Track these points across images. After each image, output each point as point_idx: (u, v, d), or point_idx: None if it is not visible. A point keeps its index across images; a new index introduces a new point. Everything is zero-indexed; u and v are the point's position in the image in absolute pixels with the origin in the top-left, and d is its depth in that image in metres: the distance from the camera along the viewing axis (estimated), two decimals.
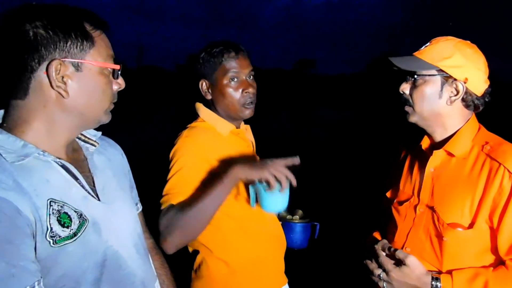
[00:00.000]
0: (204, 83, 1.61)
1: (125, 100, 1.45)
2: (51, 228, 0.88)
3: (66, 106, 0.94)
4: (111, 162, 1.16)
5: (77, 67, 0.93)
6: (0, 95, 0.95)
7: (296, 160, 1.37)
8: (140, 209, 1.29)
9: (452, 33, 1.37)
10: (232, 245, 1.56)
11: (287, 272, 1.72)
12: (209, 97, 1.62)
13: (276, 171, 1.31)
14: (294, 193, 1.39)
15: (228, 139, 1.61)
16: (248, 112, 1.62)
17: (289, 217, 1.80)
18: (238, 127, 1.67)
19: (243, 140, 1.68)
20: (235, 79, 1.57)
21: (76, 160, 1.03)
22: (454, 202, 1.28)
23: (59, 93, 0.92)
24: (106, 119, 1.03)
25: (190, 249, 1.62)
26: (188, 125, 1.62)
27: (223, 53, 1.56)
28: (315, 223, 1.79)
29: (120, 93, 1.07)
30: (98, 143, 1.13)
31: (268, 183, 1.32)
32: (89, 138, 1.11)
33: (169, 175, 1.47)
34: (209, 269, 1.56)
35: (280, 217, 1.80)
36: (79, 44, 0.92)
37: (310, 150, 9.92)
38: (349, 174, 7.26)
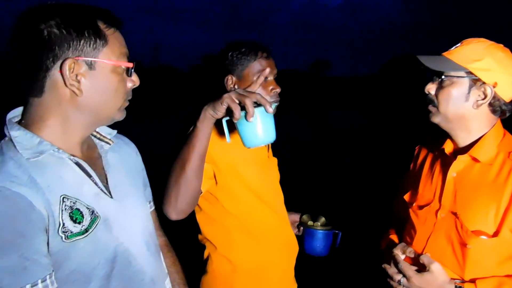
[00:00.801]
0: (230, 79, 1.62)
1: (140, 99, 1.45)
2: (63, 224, 0.90)
3: (79, 104, 0.95)
4: (125, 160, 1.17)
5: (90, 66, 0.94)
6: (19, 92, 0.96)
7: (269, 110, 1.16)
8: (153, 208, 1.30)
9: (469, 36, 1.34)
10: (235, 244, 1.57)
11: (300, 277, 1.70)
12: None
13: (238, 95, 1.14)
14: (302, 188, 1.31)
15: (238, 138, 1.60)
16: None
17: (310, 223, 1.78)
18: None
19: None
20: (266, 78, 1.60)
21: (90, 158, 1.05)
22: (478, 209, 1.24)
23: (73, 91, 0.93)
24: (119, 116, 1.04)
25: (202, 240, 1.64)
26: None
27: (257, 53, 1.59)
28: (337, 232, 1.76)
29: (136, 91, 1.07)
30: (112, 141, 1.14)
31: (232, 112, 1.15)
32: (104, 136, 1.13)
33: None
34: (213, 264, 1.60)
35: (301, 223, 1.80)
36: (92, 42, 0.93)
37: (324, 152, 9.87)
38: (366, 177, 7.20)
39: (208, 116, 1.22)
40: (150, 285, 1.09)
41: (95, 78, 0.94)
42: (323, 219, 1.78)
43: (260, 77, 1.55)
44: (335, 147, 10.69)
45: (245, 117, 1.13)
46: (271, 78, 1.62)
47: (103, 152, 1.11)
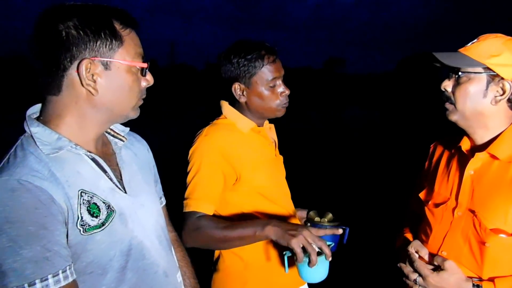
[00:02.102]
0: (238, 87, 1.61)
1: (155, 98, 1.47)
2: (82, 217, 0.93)
3: (95, 102, 0.98)
4: (137, 157, 1.21)
5: (106, 66, 0.97)
6: (37, 90, 0.99)
7: (338, 231, 1.36)
8: (164, 203, 1.33)
9: (487, 33, 1.31)
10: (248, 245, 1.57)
11: None
12: (243, 100, 1.63)
13: (306, 242, 1.25)
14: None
15: (248, 136, 1.63)
16: (283, 112, 1.67)
17: (317, 219, 1.77)
18: (260, 125, 1.70)
19: (264, 138, 1.70)
20: (274, 84, 1.60)
21: (105, 154, 1.08)
22: (497, 207, 1.22)
23: (89, 90, 0.96)
24: (134, 114, 1.07)
25: None
26: (211, 122, 1.66)
27: (262, 59, 1.57)
28: (345, 227, 1.75)
29: (150, 90, 1.10)
30: (126, 138, 1.17)
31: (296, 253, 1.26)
32: (117, 133, 1.16)
33: (189, 178, 1.54)
34: (225, 263, 1.62)
35: (309, 219, 1.79)
36: (108, 43, 0.96)
37: (339, 150, 9.83)
38: (379, 174, 7.15)
39: (269, 237, 1.34)
40: (163, 277, 1.12)
41: (111, 78, 0.97)
42: (330, 215, 1.76)
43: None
44: (349, 145, 10.63)
45: (308, 263, 1.26)
46: (279, 81, 1.61)
47: (117, 148, 1.14)
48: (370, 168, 7.75)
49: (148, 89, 1.09)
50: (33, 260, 0.83)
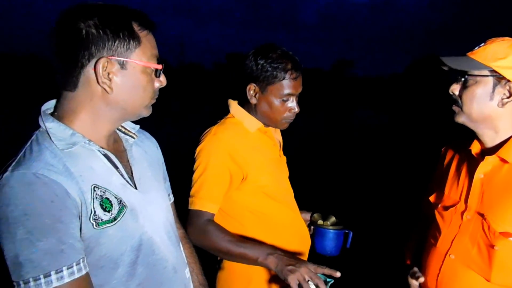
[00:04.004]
0: (253, 88, 1.61)
1: (166, 97, 1.49)
2: (95, 212, 0.95)
3: (109, 100, 1.00)
4: (147, 154, 1.22)
5: (122, 65, 0.98)
6: (54, 86, 1.01)
7: (336, 274, 1.33)
8: (172, 200, 1.35)
9: (496, 36, 1.31)
10: (254, 239, 1.60)
11: None
12: (254, 101, 1.63)
13: (302, 279, 1.30)
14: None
15: (254, 136, 1.64)
16: (286, 126, 1.69)
17: (320, 222, 1.77)
18: (267, 126, 1.70)
19: (269, 139, 1.71)
20: (288, 100, 1.60)
21: (116, 151, 1.10)
22: (506, 210, 1.22)
23: (104, 88, 0.98)
24: (146, 113, 1.08)
25: None
26: (218, 121, 1.67)
27: (286, 72, 1.56)
28: (348, 231, 1.74)
29: (161, 89, 1.11)
30: (137, 135, 1.19)
31: None
32: (128, 131, 1.18)
33: (196, 175, 1.56)
34: (230, 261, 1.61)
35: (312, 221, 1.80)
36: (126, 43, 0.97)
37: (345, 152, 9.80)
38: (385, 178, 7.12)
39: (270, 268, 1.42)
40: (172, 273, 1.13)
41: (126, 77, 0.99)
42: (333, 219, 1.76)
43: None
44: (357, 147, 10.59)
45: None
46: (293, 98, 1.61)
47: (128, 145, 1.15)
48: (376, 171, 7.72)
49: (160, 88, 1.11)
50: (49, 252, 0.85)
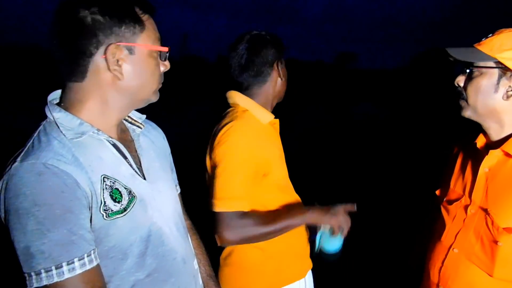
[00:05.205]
0: (279, 65, 1.67)
1: (169, 89, 1.48)
2: (105, 202, 0.94)
3: (120, 87, 0.99)
4: (154, 144, 1.22)
5: (130, 50, 0.98)
6: (58, 77, 1.00)
7: (353, 207, 1.58)
8: (179, 191, 1.34)
9: (502, 28, 1.29)
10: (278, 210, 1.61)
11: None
12: (280, 82, 1.69)
13: (341, 220, 1.54)
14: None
15: (268, 129, 1.64)
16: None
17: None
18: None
19: (276, 132, 1.71)
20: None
21: (124, 140, 1.09)
22: (510, 206, 1.21)
23: (116, 75, 0.97)
24: (155, 98, 1.08)
25: None
26: (231, 115, 1.60)
27: (284, 48, 1.68)
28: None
29: (164, 82, 1.11)
30: (143, 125, 1.18)
31: (333, 229, 1.55)
32: (135, 120, 1.17)
33: (223, 176, 1.47)
34: (243, 256, 1.61)
35: None
36: (131, 28, 0.97)
37: (348, 145, 9.78)
38: (389, 171, 7.11)
39: (317, 222, 1.58)
40: (182, 264, 1.13)
41: (135, 62, 0.99)
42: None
43: None
44: (359, 141, 10.56)
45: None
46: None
47: (135, 135, 1.15)
48: (379, 165, 7.70)
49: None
50: (59, 243, 0.85)
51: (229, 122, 1.54)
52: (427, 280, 1.41)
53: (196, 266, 1.24)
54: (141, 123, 1.17)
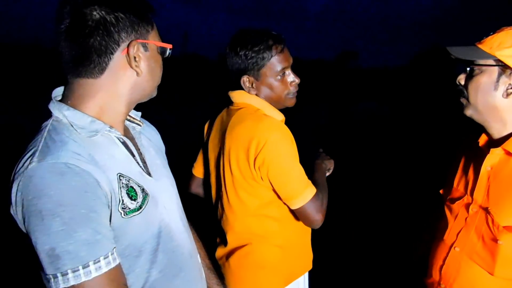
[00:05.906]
0: (247, 79, 1.57)
1: (169, 87, 1.48)
2: (123, 201, 0.95)
3: (135, 83, 1.01)
4: (151, 142, 1.23)
5: (145, 47, 1.01)
6: (61, 74, 1.00)
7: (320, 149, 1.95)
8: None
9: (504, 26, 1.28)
10: (286, 231, 1.61)
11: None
12: (253, 92, 1.59)
13: (331, 162, 1.87)
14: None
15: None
16: (293, 101, 1.66)
17: None
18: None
19: None
20: (283, 74, 1.58)
21: (129, 138, 1.09)
22: (510, 205, 1.21)
23: (136, 71, 0.99)
24: (155, 93, 1.11)
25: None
26: (248, 114, 1.55)
27: (270, 50, 1.53)
28: None
29: (164, 79, 1.12)
30: (142, 123, 1.19)
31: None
32: (134, 118, 1.18)
33: (288, 169, 1.47)
34: (265, 255, 1.59)
35: None
36: (145, 25, 1.00)
37: (350, 144, 9.77)
38: (390, 170, 7.10)
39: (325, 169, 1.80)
40: (188, 258, 1.15)
41: (149, 58, 1.02)
42: None
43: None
44: (361, 139, 10.56)
45: None
46: (288, 71, 1.58)
47: (136, 133, 1.15)
48: (380, 163, 7.70)
49: (162, 78, 1.11)
50: (86, 243, 0.84)
51: (252, 122, 1.50)
52: (429, 278, 1.42)
53: (199, 260, 1.26)
54: (139, 121, 1.18)
